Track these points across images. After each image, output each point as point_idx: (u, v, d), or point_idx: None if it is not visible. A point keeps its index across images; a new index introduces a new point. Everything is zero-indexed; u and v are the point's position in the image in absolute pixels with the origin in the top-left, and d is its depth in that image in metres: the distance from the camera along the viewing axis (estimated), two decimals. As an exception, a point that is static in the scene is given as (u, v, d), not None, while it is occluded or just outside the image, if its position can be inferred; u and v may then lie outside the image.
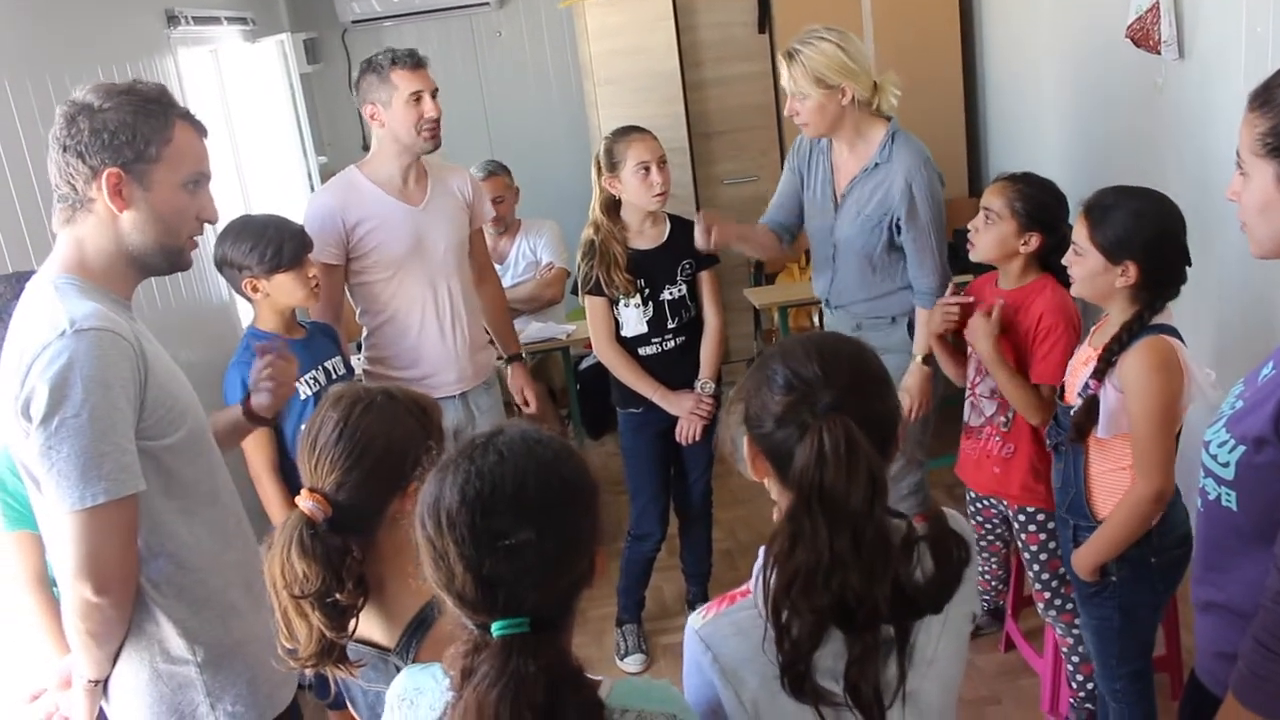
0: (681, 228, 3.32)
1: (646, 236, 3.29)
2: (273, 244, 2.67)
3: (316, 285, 2.77)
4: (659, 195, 3.19)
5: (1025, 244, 2.72)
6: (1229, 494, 1.57)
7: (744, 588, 1.39)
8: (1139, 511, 2.26)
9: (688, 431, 3.36)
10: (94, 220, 1.77)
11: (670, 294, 3.30)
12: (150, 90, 1.78)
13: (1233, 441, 1.54)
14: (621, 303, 3.28)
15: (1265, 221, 1.52)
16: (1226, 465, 1.55)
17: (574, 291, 3.38)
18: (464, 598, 1.17)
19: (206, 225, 1.89)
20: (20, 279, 1.99)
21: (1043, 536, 2.81)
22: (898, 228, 3.04)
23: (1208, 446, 1.60)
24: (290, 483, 2.69)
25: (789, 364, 1.32)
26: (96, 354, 1.66)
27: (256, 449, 2.70)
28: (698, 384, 3.36)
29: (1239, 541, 1.58)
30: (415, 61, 3.03)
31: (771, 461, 1.34)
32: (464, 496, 1.17)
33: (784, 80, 3.02)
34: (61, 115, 1.73)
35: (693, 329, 3.37)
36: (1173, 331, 2.25)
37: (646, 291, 3.27)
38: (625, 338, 3.33)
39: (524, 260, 4.67)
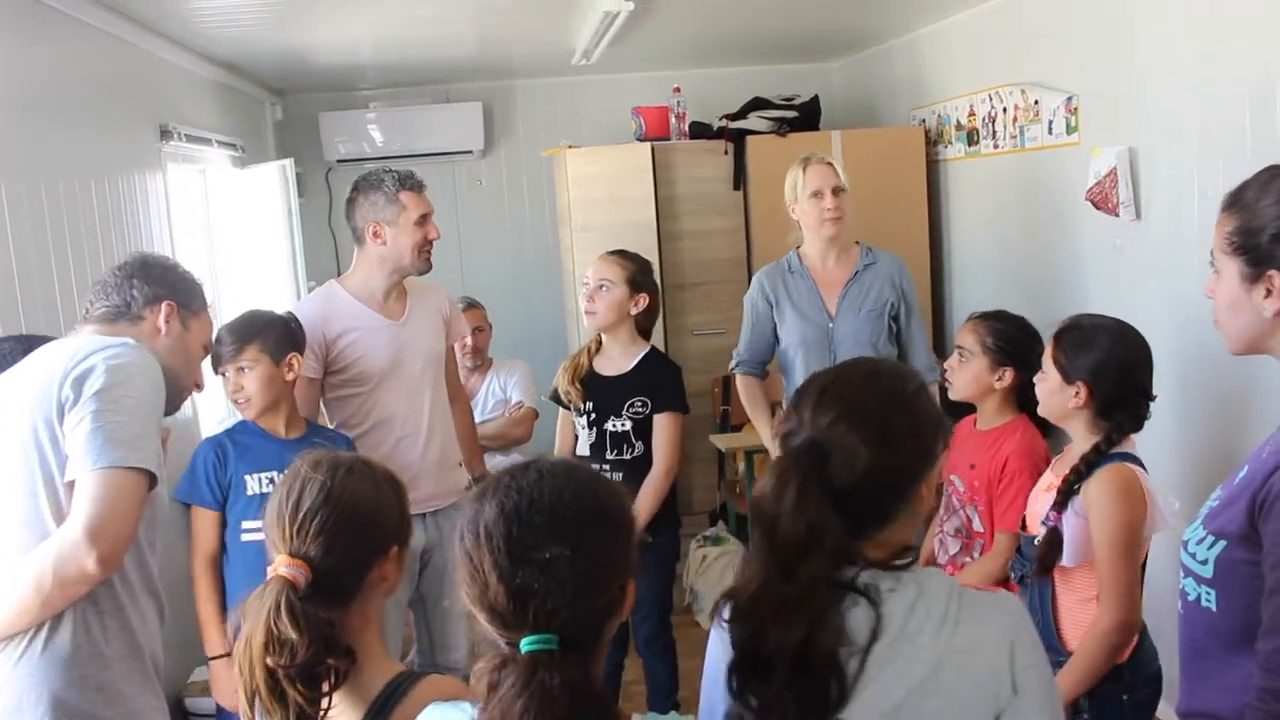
0: (658, 363, 3.34)
1: (613, 364, 3.32)
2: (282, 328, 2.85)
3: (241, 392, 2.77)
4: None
5: (999, 380, 2.76)
6: (1209, 593, 1.56)
7: None
8: (1105, 644, 2.22)
9: None
10: (135, 331, 2.07)
11: (614, 426, 3.27)
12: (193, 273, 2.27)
13: (1211, 538, 1.55)
14: (577, 417, 3.33)
15: (1234, 316, 1.57)
16: (1205, 563, 1.55)
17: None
18: (496, 609, 1.21)
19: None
20: (30, 341, 2.12)
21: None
22: (893, 319, 3.37)
23: (1186, 545, 1.61)
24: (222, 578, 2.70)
25: (800, 391, 1.45)
26: (153, 370, 1.97)
27: (202, 541, 2.68)
28: None
29: (1219, 646, 1.57)
30: (420, 184, 3.09)
31: None
32: (502, 509, 1.23)
33: (837, 178, 3.37)
34: (142, 261, 2.17)
35: (634, 468, 3.24)
36: (1136, 460, 2.27)
37: (592, 415, 3.28)
38: (579, 455, 3.33)
39: (493, 398, 4.67)
